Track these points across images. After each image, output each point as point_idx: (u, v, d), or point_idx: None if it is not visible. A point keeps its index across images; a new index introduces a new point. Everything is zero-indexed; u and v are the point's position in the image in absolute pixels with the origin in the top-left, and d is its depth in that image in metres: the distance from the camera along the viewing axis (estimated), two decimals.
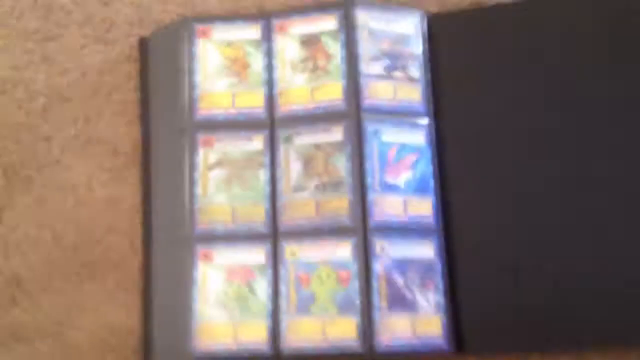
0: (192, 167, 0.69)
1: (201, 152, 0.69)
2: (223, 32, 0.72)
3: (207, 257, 0.67)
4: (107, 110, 0.74)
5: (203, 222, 0.67)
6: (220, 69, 0.71)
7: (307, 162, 0.68)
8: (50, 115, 0.74)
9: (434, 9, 0.74)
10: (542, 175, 0.67)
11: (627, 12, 0.69)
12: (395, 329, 0.64)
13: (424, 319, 0.65)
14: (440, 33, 0.72)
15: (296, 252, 0.66)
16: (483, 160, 0.68)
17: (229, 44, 0.71)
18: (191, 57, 0.71)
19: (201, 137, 0.69)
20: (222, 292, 0.66)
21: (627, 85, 0.68)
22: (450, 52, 0.72)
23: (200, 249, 0.67)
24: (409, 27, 0.72)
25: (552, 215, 0.66)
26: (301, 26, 0.71)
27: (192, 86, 0.70)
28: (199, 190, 0.68)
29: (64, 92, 0.74)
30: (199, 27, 0.72)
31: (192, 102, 0.70)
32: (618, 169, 0.66)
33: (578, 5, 0.71)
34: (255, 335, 0.65)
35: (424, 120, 0.70)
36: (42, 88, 0.75)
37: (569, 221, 0.66)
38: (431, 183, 0.68)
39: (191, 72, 0.71)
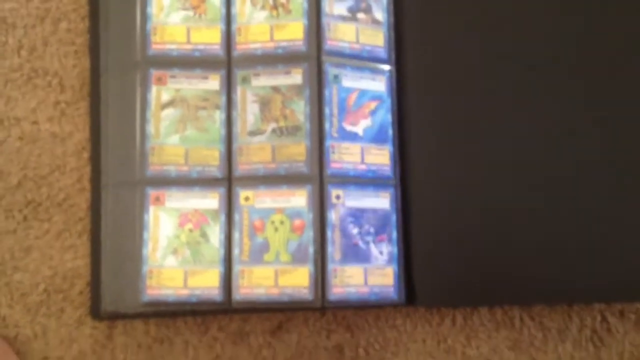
0: (144, 104, 0.65)
1: (154, 90, 0.66)
2: None
3: (159, 201, 0.65)
4: (53, 39, 0.70)
5: (155, 164, 0.65)
6: (175, 0, 0.67)
7: (265, 105, 0.66)
8: None
9: None
10: (504, 130, 0.66)
11: None
12: (348, 279, 0.64)
13: (376, 270, 0.65)
14: None
15: (251, 198, 0.65)
16: (445, 111, 0.67)
17: None
18: None
19: (154, 73, 0.66)
20: (173, 237, 0.64)
21: (597, 39, 0.67)
22: None
23: (152, 192, 0.65)
24: None
25: (509, 172, 0.66)
26: None
27: (145, 18, 0.66)
28: (151, 129, 0.65)
29: (7, 17, 0.70)
30: None
31: (145, 35, 0.66)
32: (580, 127, 0.66)
33: None
34: (207, 282, 0.63)
35: (386, 67, 0.68)
36: None
37: (524, 178, 0.66)
38: (390, 132, 0.67)
39: (144, 3, 0.67)
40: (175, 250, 0.64)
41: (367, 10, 0.68)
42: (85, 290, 0.67)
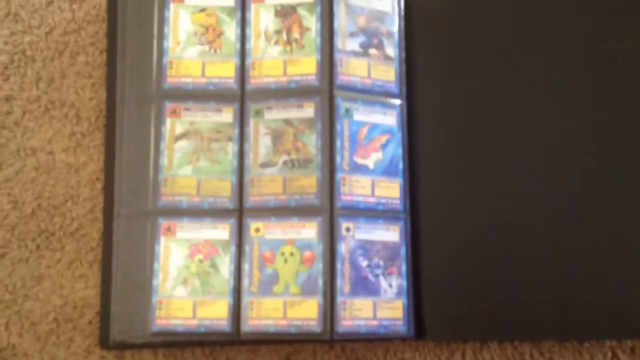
0: (158, 136, 0.67)
1: (168, 122, 0.67)
2: None
3: (170, 231, 0.65)
4: (71, 72, 0.71)
5: (167, 195, 0.66)
6: (191, 35, 0.68)
7: (277, 138, 0.67)
8: (12, 74, 0.71)
9: None
10: (514, 164, 0.67)
11: None
12: (357, 312, 0.63)
13: (386, 303, 0.65)
14: (417, 11, 0.71)
15: (261, 230, 0.65)
16: (454, 145, 0.68)
17: (203, 9, 0.69)
18: (162, 21, 0.68)
19: (169, 105, 0.67)
20: (183, 268, 0.64)
21: (607, 65, 0.68)
22: (426, 31, 0.70)
23: (163, 222, 0.65)
24: (387, 4, 0.70)
25: (521, 206, 0.66)
26: None
27: (161, 52, 0.68)
28: (164, 161, 0.66)
29: (27, 50, 0.71)
30: None
31: (161, 68, 0.68)
32: (594, 160, 0.66)
33: None
34: (216, 313, 0.64)
35: (397, 101, 0.69)
36: (4, 45, 0.71)
37: (537, 213, 0.66)
38: (400, 165, 0.68)
39: (161, 38, 0.68)
40: (185, 281, 0.64)
41: (379, 46, 0.69)
42: (94, 319, 0.67)
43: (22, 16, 0.72)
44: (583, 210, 0.66)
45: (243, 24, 0.69)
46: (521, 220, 0.65)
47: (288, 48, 0.68)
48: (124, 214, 0.67)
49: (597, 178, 0.66)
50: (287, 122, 0.67)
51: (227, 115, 0.67)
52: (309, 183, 0.65)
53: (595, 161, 0.66)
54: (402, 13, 0.70)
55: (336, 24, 0.68)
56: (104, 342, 0.65)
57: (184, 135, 0.67)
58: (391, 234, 0.66)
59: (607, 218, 0.66)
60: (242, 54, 0.68)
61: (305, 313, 0.63)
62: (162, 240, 0.65)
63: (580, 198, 0.66)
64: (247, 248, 0.65)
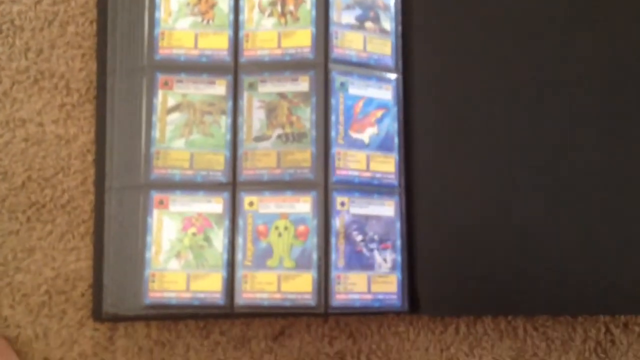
0: (150, 109, 0.66)
1: (160, 94, 0.66)
2: None
3: (163, 204, 0.64)
4: (60, 42, 0.70)
5: (159, 168, 0.65)
6: (184, 6, 0.67)
7: (271, 111, 0.66)
8: (0, 43, 0.70)
9: None
10: (511, 140, 0.66)
11: None
12: (351, 286, 0.64)
13: (380, 278, 0.65)
14: None
15: (255, 203, 0.65)
16: (451, 120, 0.67)
17: None
18: None
19: (161, 77, 0.66)
20: (177, 241, 0.64)
21: (605, 56, 0.67)
22: (424, 4, 0.69)
23: (156, 195, 0.65)
24: None
25: (515, 183, 0.66)
26: None
27: (152, 23, 0.67)
28: (156, 134, 0.65)
29: (16, 20, 0.70)
30: None
31: (153, 40, 0.67)
32: (590, 138, 0.66)
33: None
34: (210, 286, 0.63)
35: (393, 75, 0.68)
36: None
37: (530, 189, 0.66)
38: (396, 140, 0.67)
39: (152, 8, 0.67)
40: (179, 254, 0.64)
41: (375, 20, 0.68)
42: (87, 292, 0.66)
43: None
44: (578, 187, 0.66)
45: None
46: (516, 197, 0.66)
47: (282, 20, 0.67)
48: (115, 186, 0.66)
49: (594, 158, 0.66)
50: (282, 95, 0.66)
51: (220, 88, 0.67)
52: (303, 157, 0.65)
53: (593, 143, 0.67)
54: None
55: None
56: (97, 314, 0.65)
57: (176, 108, 0.66)
58: (386, 208, 0.66)
59: (602, 195, 0.66)
60: (236, 25, 0.67)
61: (300, 287, 0.63)
62: (155, 213, 0.64)
63: (577, 175, 0.66)
64: (240, 222, 0.64)
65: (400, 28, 0.69)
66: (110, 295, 0.64)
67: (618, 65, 0.68)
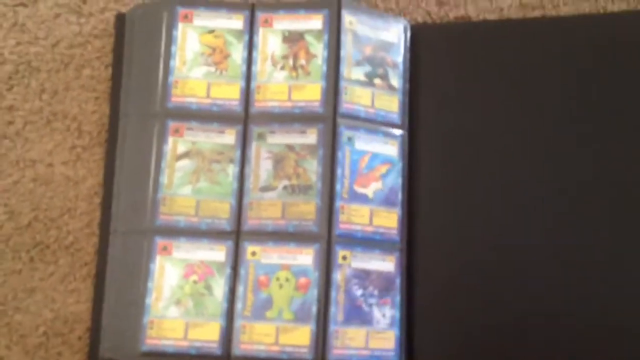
0: (160, 155, 0.67)
1: (170, 141, 0.67)
2: (206, 19, 0.69)
3: (166, 250, 0.65)
4: (75, 85, 0.71)
5: (165, 214, 0.65)
6: (198, 56, 0.69)
7: (278, 162, 0.67)
8: (16, 84, 0.71)
9: (420, 18, 0.73)
10: (513, 199, 0.67)
11: (608, 39, 0.69)
12: (349, 341, 0.63)
13: (378, 334, 0.64)
14: (423, 44, 0.71)
15: (258, 253, 0.65)
16: (454, 177, 0.68)
17: (211, 31, 0.69)
18: (170, 40, 0.69)
19: (172, 124, 0.67)
20: (177, 288, 0.64)
21: (602, 110, 0.68)
22: (431, 64, 0.71)
23: (160, 241, 0.65)
24: (393, 35, 0.71)
25: (518, 242, 0.66)
26: (286, 22, 0.69)
27: (167, 71, 0.68)
28: (164, 180, 0.66)
29: (32, 61, 0.71)
30: (182, 10, 0.69)
31: (166, 87, 0.68)
32: (592, 192, 0.66)
33: (562, 30, 0.70)
34: (208, 335, 0.63)
35: (399, 131, 0.69)
36: (9, 55, 0.71)
37: (533, 249, 0.66)
38: (399, 196, 0.68)
39: (168, 56, 0.68)
40: (179, 301, 0.64)
41: (384, 77, 0.69)
42: (84, 335, 0.66)
43: (29, 27, 0.72)
44: (580, 243, 0.66)
45: (250, 47, 0.69)
46: (517, 256, 0.66)
47: (294, 74, 0.68)
48: (120, 230, 0.67)
49: (595, 212, 0.66)
50: (289, 147, 0.67)
51: (229, 137, 0.67)
52: (308, 209, 0.65)
53: (595, 198, 0.67)
54: (408, 45, 0.71)
55: (343, 53, 0.68)
56: (93, 358, 0.65)
57: (185, 155, 0.67)
58: (387, 264, 0.66)
59: (604, 248, 0.65)
60: (248, 77, 0.69)
61: (298, 340, 0.63)
62: (158, 259, 0.65)
63: (579, 231, 0.66)
64: (242, 271, 0.65)
65: (407, 85, 0.70)
66: (108, 340, 0.64)
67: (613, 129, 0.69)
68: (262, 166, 0.67)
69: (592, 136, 0.67)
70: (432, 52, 0.71)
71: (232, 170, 0.67)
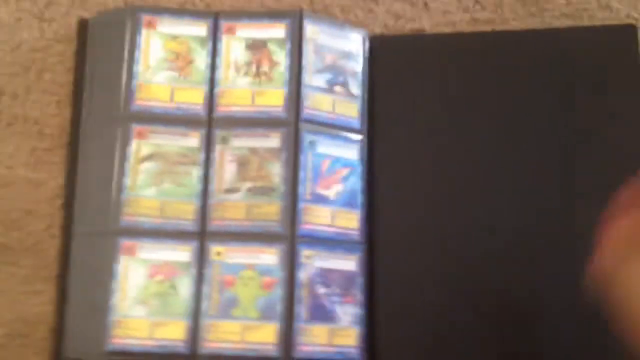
0: (123, 157, 0.67)
1: (134, 144, 0.68)
2: (169, 26, 0.71)
3: (130, 251, 0.65)
4: (36, 88, 0.71)
5: (129, 215, 0.66)
6: (162, 61, 0.70)
7: (242, 165, 0.68)
8: None
9: (377, 30, 0.77)
10: (469, 198, 0.70)
11: (555, 52, 0.74)
12: (314, 338, 0.65)
13: (341, 331, 0.66)
14: (380, 54, 0.75)
15: (222, 253, 0.66)
16: (411, 180, 0.71)
17: (174, 37, 0.71)
18: (133, 46, 0.70)
19: (136, 127, 0.68)
20: (142, 288, 0.64)
21: (550, 119, 0.72)
22: (388, 73, 0.74)
23: (124, 242, 0.65)
24: (353, 45, 0.74)
25: (476, 240, 0.69)
26: (249, 30, 0.71)
27: (130, 75, 0.69)
28: (128, 181, 0.67)
29: None
30: (146, 16, 0.70)
31: (130, 91, 0.69)
32: (547, 196, 0.70)
33: (511, 43, 0.74)
34: (174, 334, 0.64)
35: (359, 137, 0.72)
36: None
37: (494, 245, 0.69)
38: (360, 198, 0.70)
39: (131, 61, 0.69)
40: (144, 301, 0.64)
41: (344, 84, 0.72)
42: (48, 336, 0.66)
43: None
44: (537, 242, 0.69)
45: (214, 53, 0.71)
46: (476, 254, 0.69)
47: (257, 80, 0.70)
48: (83, 231, 0.67)
49: (551, 207, 0.69)
50: (253, 150, 0.68)
51: (193, 140, 0.69)
52: (271, 210, 0.67)
53: (551, 196, 0.70)
54: (367, 54, 0.74)
55: (304, 61, 0.70)
56: (56, 359, 0.64)
57: (149, 157, 0.68)
58: (349, 263, 0.68)
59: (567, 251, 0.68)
60: (212, 82, 0.70)
61: (264, 337, 0.64)
62: (122, 259, 0.65)
63: (540, 229, 0.69)
64: (207, 271, 0.66)
65: (366, 93, 0.73)
66: (72, 340, 0.64)
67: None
68: (226, 168, 0.68)
69: (543, 143, 0.71)
70: (389, 62, 0.74)
71: (197, 172, 0.68)
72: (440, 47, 0.75)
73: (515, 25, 0.76)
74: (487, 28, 0.76)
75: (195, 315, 0.65)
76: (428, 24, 0.77)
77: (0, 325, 0.65)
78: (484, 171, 0.71)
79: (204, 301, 0.65)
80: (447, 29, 0.76)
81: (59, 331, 0.65)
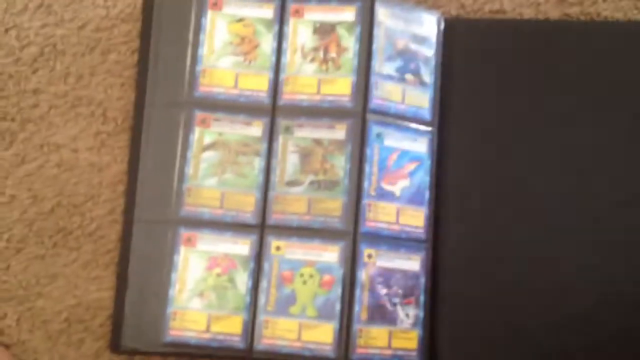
0: (186, 145, 0.66)
1: (197, 131, 0.66)
2: (235, 7, 0.68)
3: (190, 242, 0.64)
4: (101, 69, 0.70)
5: (190, 205, 0.65)
6: (227, 45, 0.68)
7: (305, 157, 0.66)
8: (41, 67, 0.70)
9: (453, 11, 0.72)
10: (542, 201, 0.66)
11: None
12: (372, 340, 0.63)
13: (401, 333, 0.64)
14: (456, 38, 0.70)
15: (282, 248, 0.65)
16: (482, 176, 0.67)
17: (240, 19, 0.68)
18: (198, 28, 0.68)
19: (199, 114, 0.66)
20: (201, 280, 0.64)
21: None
22: (463, 59, 0.70)
23: (184, 232, 0.65)
24: (426, 29, 0.69)
25: (547, 244, 0.65)
26: (318, 13, 0.68)
27: (195, 59, 0.67)
28: (189, 170, 0.65)
29: (58, 44, 0.70)
30: None
31: (194, 76, 0.67)
32: (621, 191, 0.66)
33: (598, 34, 0.69)
34: (230, 328, 0.63)
35: (429, 128, 0.68)
36: (35, 37, 0.70)
37: (562, 249, 0.65)
38: (427, 194, 0.67)
39: (196, 45, 0.67)
40: (201, 294, 0.64)
41: (416, 72, 0.68)
42: (106, 322, 0.66)
43: (55, 9, 0.71)
44: (609, 252, 0.65)
45: (280, 37, 0.68)
46: (547, 256, 0.65)
47: (324, 67, 0.67)
48: (144, 219, 0.66)
49: (625, 217, 0.66)
50: (317, 141, 0.66)
51: (256, 129, 0.67)
52: (334, 206, 0.65)
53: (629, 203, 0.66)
54: (441, 39, 0.70)
55: (374, 46, 0.67)
56: (115, 346, 0.65)
57: (211, 146, 0.66)
58: (412, 263, 0.65)
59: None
60: (277, 68, 0.68)
61: (321, 337, 0.63)
62: (182, 250, 0.64)
63: (609, 237, 0.65)
64: (266, 265, 0.64)
65: (439, 81, 0.69)
66: (130, 329, 0.64)
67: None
68: (288, 160, 0.66)
69: (633, 139, 0.66)
70: (465, 47, 0.70)
71: (258, 163, 0.66)
72: (521, 33, 0.70)
73: (604, 7, 0.70)
74: (574, 10, 0.70)
75: (253, 310, 0.64)
76: (509, 4, 0.72)
77: (61, 310, 0.66)
78: (564, 167, 0.66)
79: (262, 296, 0.64)
80: (530, 10, 0.71)
81: (117, 319, 0.65)
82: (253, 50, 0.68)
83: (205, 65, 0.67)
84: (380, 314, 0.64)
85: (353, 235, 0.64)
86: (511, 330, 0.64)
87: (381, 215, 0.65)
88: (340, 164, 0.65)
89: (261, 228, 0.65)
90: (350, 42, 0.67)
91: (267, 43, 0.68)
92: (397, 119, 0.67)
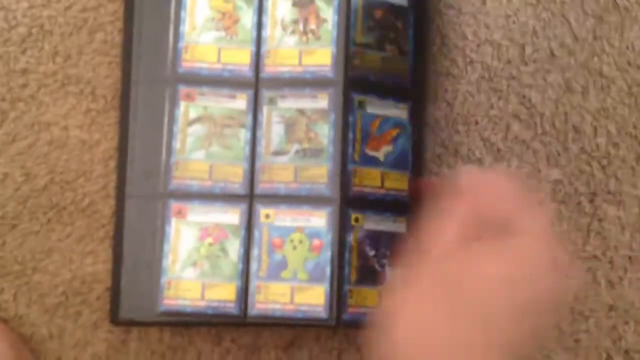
0: (172, 120, 0.67)
1: (182, 106, 0.68)
2: None
3: (181, 214, 0.66)
4: (88, 49, 0.72)
5: (178, 178, 0.67)
6: (208, 21, 0.69)
7: (289, 127, 0.68)
8: (29, 47, 0.71)
9: None
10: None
11: None
12: (363, 300, 0.65)
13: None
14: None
15: (271, 216, 0.66)
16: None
17: None
18: (179, 5, 0.69)
19: (183, 89, 0.68)
20: (193, 250, 0.66)
21: None
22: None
23: (174, 205, 0.66)
24: None
25: None
26: None
27: (177, 36, 0.69)
28: (176, 144, 0.67)
29: (46, 24, 0.72)
30: None
31: (176, 53, 0.68)
32: None
33: None
34: (224, 295, 0.65)
35: (409, 96, 0.70)
36: (22, 18, 0.71)
37: None
38: (409, 159, 0.69)
39: (177, 22, 0.69)
40: (195, 263, 0.65)
41: (395, 41, 0.70)
42: (102, 295, 0.68)
43: None
44: None
45: (260, 12, 0.69)
46: None
47: (304, 38, 0.69)
48: (135, 194, 0.68)
49: None
50: (301, 111, 0.68)
51: (240, 102, 0.68)
52: (320, 173, 0.67)
53: None
54: (422, 8, 0.71)
55: (353, 17, 0.69)
56: (114, 318, 0.66)
57: (197, 120, 0.68)
58: (398, 225, 0.68)
59: None
60: (258, 41, 0.69)
61: (313, 299, 0.65)
62: (173, 222, 0.66)
63: None
64: (256, 233, 0.66)
65: (418, 50, 0.71)
66: (127, 300, 0.66)
67: None
68: (273, 130, 0.68)
69: None
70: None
71: (244, 134, 0.68)
72: None
73: None
74: None
75: (245, 277, 0.66)
76: None
77: (57, 284, 0.68)
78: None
79: (254, 263, 0.66)
80: None
81: (115, 291, 0.67)
82: (234, 25, 0.69)
83: (187, 41, 0.68)
84: (370, 275, 0.66)
85: (340, 200, 0.66)
86: None
87: (366, 180, 0.67)
88: (324, 132, 0.67)
89: (250, 197, 0.67)
90: (329, 14, 0.69)
91: (248, 17, 0.69)
92: (378, 87, 0.69)
